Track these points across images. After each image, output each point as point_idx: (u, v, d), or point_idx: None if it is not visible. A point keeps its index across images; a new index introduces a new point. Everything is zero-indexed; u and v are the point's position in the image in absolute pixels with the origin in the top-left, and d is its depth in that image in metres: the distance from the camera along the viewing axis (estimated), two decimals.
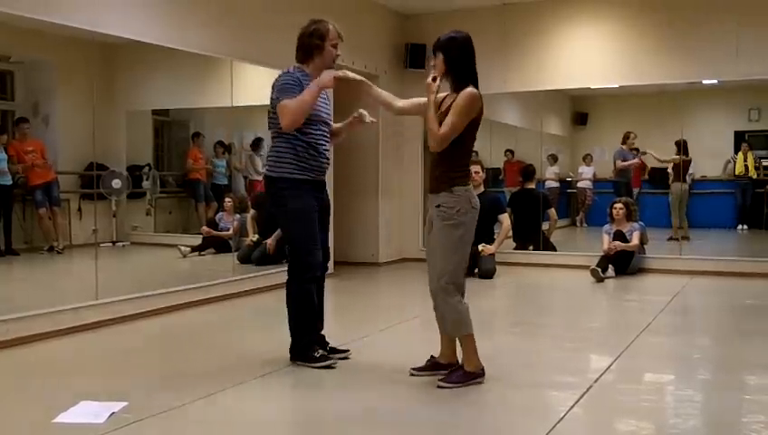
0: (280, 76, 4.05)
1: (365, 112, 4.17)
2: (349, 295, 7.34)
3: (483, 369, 3.73)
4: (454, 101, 3.67)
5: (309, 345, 4.10)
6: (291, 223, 4.07)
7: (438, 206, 3.67)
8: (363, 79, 4.04)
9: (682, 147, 9.42)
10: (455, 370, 3.73)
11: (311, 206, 4.04)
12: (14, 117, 6.75)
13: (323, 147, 4.12)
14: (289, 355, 4.14)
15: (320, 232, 4.12)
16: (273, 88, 4.04)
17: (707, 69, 8.15)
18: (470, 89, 3.64)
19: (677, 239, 9.23)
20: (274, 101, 3.98)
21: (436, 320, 3.80)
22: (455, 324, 3.69)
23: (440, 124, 3.65)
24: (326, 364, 4.05)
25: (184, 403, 3.44)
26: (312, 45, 4.07)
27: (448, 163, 3.66)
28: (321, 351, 4.11)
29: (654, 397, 3.76)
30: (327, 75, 3.99)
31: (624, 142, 9.86)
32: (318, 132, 4.09)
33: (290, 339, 4.15)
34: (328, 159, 4.18)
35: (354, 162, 8.76)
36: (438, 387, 3.64)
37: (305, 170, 4.02)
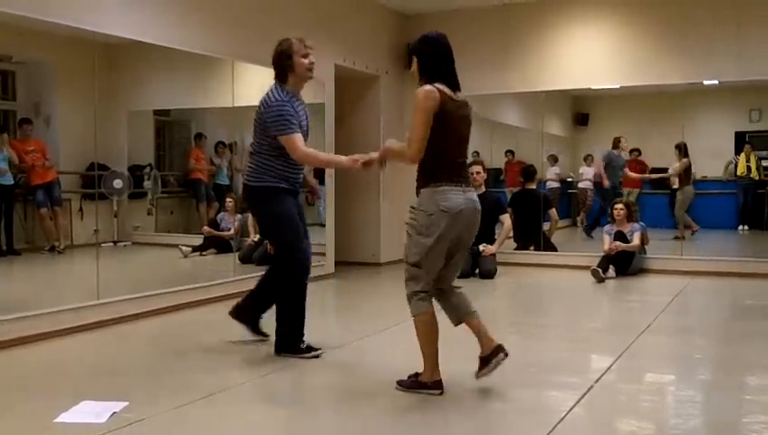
0: (270, 98, 4.24)
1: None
2: (349, 296, 7.35)
3: (439, 382, 3.59)
4: None
5: (298, 338, 4.34)
6: (279, 225, 4.32)
7: (411, 207, 3.67)
8: (377, 155, 4.06)
9: (683, 149, 9.45)
10: (413, 374, 3.68)
11: (293, 209, 4.32)
12: (15, 117, 6.76)
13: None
14: (275, 348, 4.33)
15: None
16: (265, 107, 4.23)
17: (708, 69, 8.15)
18: (422, 87, 3.55)
19: (683, 238, 9.26)
20: (273, 127, 4.20)
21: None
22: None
23: None
24: (313, 355, 4.29)
25: (184, 403, 3.44)
26: (283, 65, 4.28)
27: (420, 165, 3.62)
28: (306, 343, 4.35)
29: (655, 397, 3.76)
30: (348, 161, 4.20)
31: (616, 147, 9.89)
32: None
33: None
34: (302, 169, 4.46)
35: None
36: (396, 388, 3.66)
37: (286, 181, 4.29)
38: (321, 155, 4.72)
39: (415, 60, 3.69)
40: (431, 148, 3.53)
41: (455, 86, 3.61)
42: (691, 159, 9.69)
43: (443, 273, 3.65)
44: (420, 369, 3.64)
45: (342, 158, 4.30)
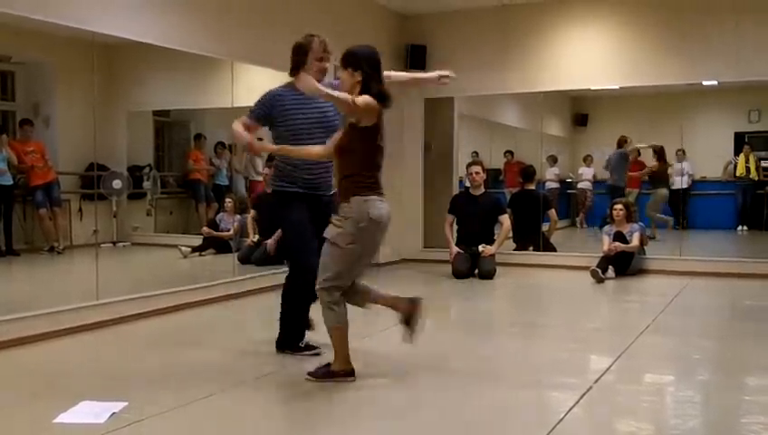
0: None
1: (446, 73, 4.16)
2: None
3: (351, 371, 3.81)
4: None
5: (299, 337, 4.37)
6: (285, 232, 4.44)
7: (337, 218, 3.73)
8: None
9: (659, 153, 9.54)
10: (324, 365, 3.85)
11: (302, 216, 4.22)
12: (14, 117, 6.76)
13: (307, 163, 4.22)
14: (276, 346, 4.37)
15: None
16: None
17: (707, 70, 8.16)
18: (365, 96, 3.62)
19: (654, 237, 9.37)
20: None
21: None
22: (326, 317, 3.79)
23: (344, 136, 3.72)
24: (314, 352, 4.29)
25: (184, 403, 3.44)
26: (297, 60, 4.21)
27: (348, 175, 3.70)
28: (305, 342, 4.39)
29: (654, 398, 3.76)
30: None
31: (621, 146, 9.88)
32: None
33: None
34: (317, 174, 4.26)
35: None
36: (306, 379, 3.80)
37: (293, 184, 4.25)
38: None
39: (357, 73, 3.69)
40: (362, 158, 3.67)
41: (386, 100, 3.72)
42: (689, 161, 9.75)
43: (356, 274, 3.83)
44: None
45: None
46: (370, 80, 3.67)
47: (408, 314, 3.81)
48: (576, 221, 11.95)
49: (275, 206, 4.35)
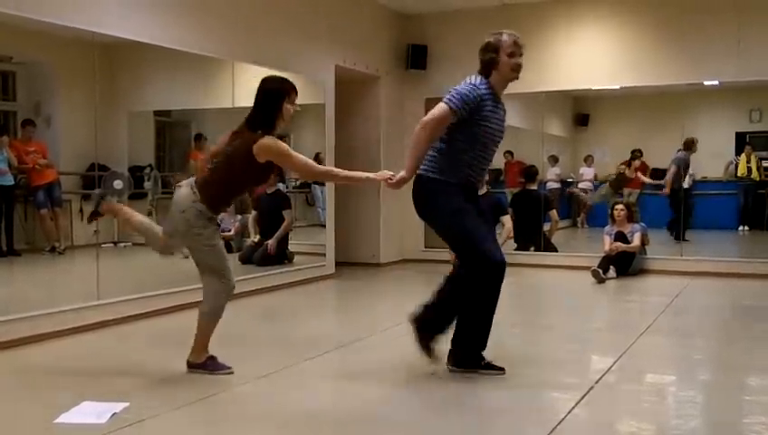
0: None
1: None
2: (349, 296, 7.35)
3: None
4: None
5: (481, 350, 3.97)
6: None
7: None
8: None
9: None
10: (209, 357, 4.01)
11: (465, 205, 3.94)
12: (15, 117, 6.76)
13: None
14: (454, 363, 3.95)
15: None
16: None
17: (708, 70, 8.16)
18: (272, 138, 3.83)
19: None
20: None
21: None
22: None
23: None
24: (497, 373, 3.91)
25: (185, 404, 3.44)
26: (487, 60, 3.93)
27: (214, 188, 3.91)
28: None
29: (655, 398, 3.76)
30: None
31: (689, 148, 9.52)
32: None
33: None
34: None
35: (355, 163, 8.76)
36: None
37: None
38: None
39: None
40: (230, 180, 3.90)
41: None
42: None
43: None
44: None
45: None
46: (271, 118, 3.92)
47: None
48: (577, 221, 11.94)
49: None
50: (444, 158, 3.89)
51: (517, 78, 3.99)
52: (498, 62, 3.88)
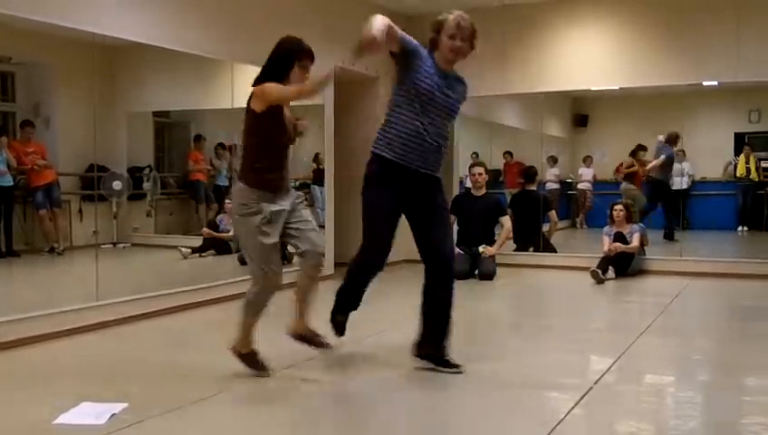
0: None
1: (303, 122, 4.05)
2: None
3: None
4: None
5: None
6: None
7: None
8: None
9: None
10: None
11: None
12: (14, 118, 6.76)
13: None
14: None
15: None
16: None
17: (707, 71, 8.15)
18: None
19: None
20: None
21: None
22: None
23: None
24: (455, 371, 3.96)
25: (184, 404, 3.44)
26: (431, 38, 3.98)
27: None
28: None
29: (654, 398, 3.76)
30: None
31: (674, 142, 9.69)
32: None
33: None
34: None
35: (354, 163, 8.75)
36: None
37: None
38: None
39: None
40: (248, 145, 3.85)
41: None
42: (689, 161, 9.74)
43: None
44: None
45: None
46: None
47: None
48: (576, 222, 11.95)
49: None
50: (387, 128, 3.94)
51: (455, 61, 3.98)
52: (439, 41, 3.90)
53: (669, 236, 9.47)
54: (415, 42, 3.87)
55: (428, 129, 3.87)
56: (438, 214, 4.12)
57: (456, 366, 3.96)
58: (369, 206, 4.04)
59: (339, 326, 4.29)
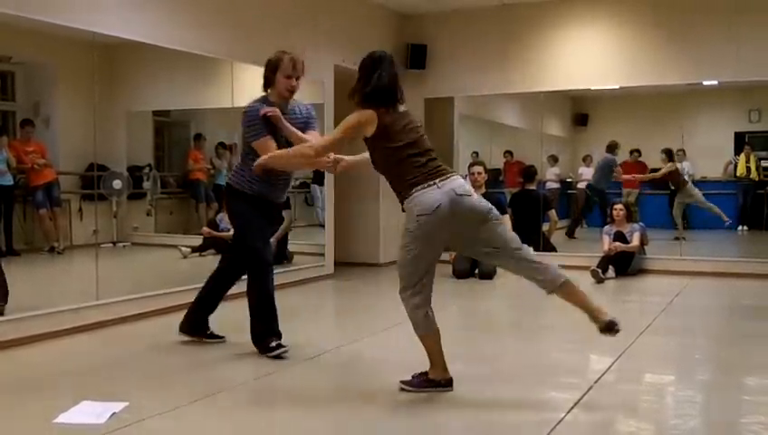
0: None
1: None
2: (349, 296, 7.35)
3: (448, 380, 3.62)
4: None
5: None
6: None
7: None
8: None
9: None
10: (419, 374, 3.65)
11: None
12: (14, 118, 6.76)
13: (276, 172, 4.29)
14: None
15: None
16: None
17: (707, 70, 8.16)
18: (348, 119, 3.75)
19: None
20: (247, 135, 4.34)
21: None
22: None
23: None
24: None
25: (184, 404, 3.44)
26: (266, 76, 4.34)
27: (390, 183, 3.71)
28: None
29: (654, 398, 3.76)
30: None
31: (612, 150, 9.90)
32: None
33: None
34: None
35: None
36: (401, 389, 3.61)
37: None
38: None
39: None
40: (389, 165, 3.65)
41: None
42: (689, 161, 9.75)
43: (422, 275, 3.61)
44: (421, 369, 3.65)
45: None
46: (359, 87, 3.73)
47: (421, 375, 3.69)
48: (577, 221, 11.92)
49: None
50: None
51: (287, 98, 4.34)
52: (276, 80, 4.28)
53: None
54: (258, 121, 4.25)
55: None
56: None
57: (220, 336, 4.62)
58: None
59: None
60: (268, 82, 4.32)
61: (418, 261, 3.50)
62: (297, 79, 4.30)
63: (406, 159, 3.52)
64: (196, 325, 4.71)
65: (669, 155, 9.79)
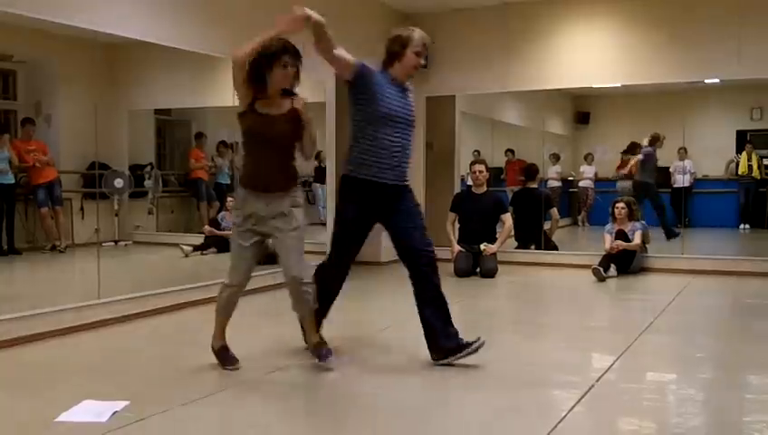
0: None
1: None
2: (349, 295, 7.32)
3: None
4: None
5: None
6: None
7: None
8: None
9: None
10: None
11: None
12: (16, 116, 6.76)
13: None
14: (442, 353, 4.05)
15: None
16: None
17: (709, 68, 8.15)
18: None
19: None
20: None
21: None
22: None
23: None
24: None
25: (186, 402, 3.44)
26: (394, 51, 4.17)
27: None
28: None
29: (656, 396, 3.76)
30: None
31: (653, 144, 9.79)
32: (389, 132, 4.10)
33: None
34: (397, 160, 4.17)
35: None
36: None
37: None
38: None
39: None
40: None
41: None
42: (691, 159, 9.75)
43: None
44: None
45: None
46: None
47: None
48: (578, 220, 11.94)
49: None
50: (354, 148, 4.12)
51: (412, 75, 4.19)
52: (404, 55, 4.09)
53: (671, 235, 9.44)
54: (356, 61, 4.10)
55: (396, 143, 4.07)
56: (412, 215, 4.33)
57: (476, 340, 4.00)
58: (343, 220, 4.26)
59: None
60: (392, 57, 4.13)
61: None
62: (426, 58, 4.13)
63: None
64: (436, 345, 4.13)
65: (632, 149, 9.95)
